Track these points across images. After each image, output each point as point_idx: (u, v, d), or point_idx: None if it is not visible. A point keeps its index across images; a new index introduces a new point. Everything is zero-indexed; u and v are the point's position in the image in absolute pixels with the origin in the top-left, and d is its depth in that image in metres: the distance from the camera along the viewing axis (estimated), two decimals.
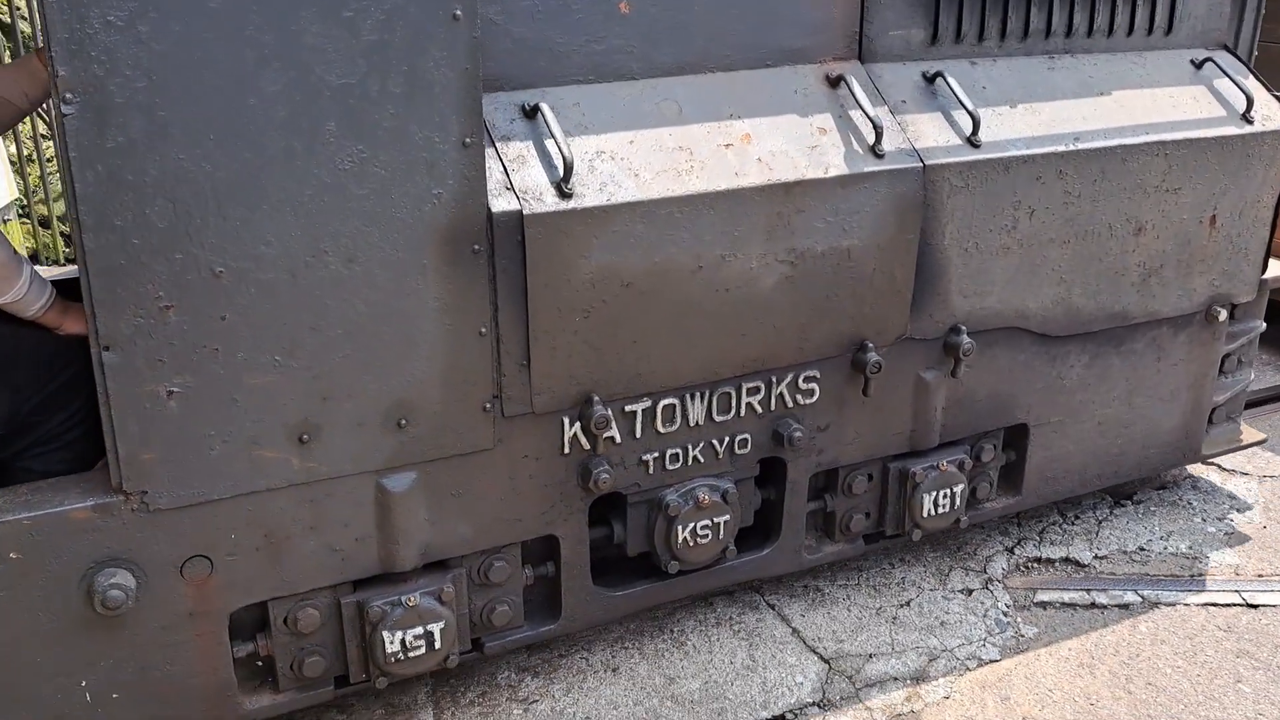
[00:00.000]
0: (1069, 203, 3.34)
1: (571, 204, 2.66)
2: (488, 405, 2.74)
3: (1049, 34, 3.44)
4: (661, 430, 3.02)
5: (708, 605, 3.63)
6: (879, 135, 3.00)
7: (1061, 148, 3.26)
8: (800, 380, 3.17)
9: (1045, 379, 3.61)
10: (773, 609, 3.62)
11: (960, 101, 3.15)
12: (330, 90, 2.34)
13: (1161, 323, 3.75)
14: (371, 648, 2.80)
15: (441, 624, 2.83)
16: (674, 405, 3.01)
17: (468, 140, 2.50)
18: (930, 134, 3.14)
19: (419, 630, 2.81)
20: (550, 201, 2.64)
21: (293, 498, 2.62)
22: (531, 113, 2.74)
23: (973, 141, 3.15)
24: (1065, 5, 3.43)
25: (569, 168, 2.63)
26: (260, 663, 2.82)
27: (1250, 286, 3.85)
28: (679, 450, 3.07)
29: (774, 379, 3.13)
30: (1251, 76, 3.68)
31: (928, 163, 3.06)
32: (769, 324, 3.02)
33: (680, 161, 2.82)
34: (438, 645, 2.85)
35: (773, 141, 2.94)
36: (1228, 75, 3.60)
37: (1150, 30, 3.62)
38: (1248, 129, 3.56)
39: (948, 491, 3.47)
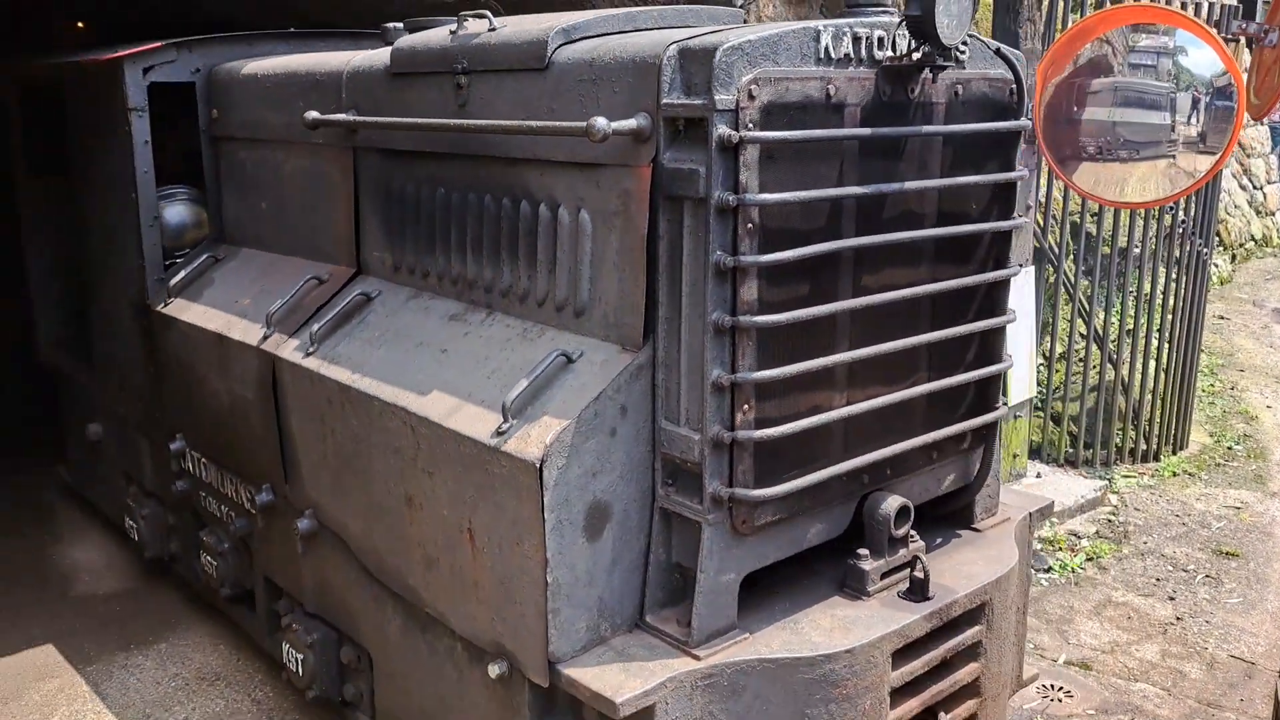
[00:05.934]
0: (355, 435, 3.33)
1: None
2: None
3: (473, 285, 3.34)
4: None
5: None
6: (271, 320, 3.82)
7: (342, 379, 3.33)
8: None
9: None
10: None
11: (329, 317, 3.60)
12: None
13: (455, 637, 3.07)
14: None
15: None
16: None
17: None
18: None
19: None
20: None
21: None
22: None
23: (309, 349, 3.57)
24: (478, 260, 3.28)
25: None
26: None
27: (532, 658, 2.74)
28: None
29: None
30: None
31: (277, 354, 3.69)
32: None
33: None
34: None
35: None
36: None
37: (560, 307, 3.03)
38: (496, 441, 2.77)
39: None
